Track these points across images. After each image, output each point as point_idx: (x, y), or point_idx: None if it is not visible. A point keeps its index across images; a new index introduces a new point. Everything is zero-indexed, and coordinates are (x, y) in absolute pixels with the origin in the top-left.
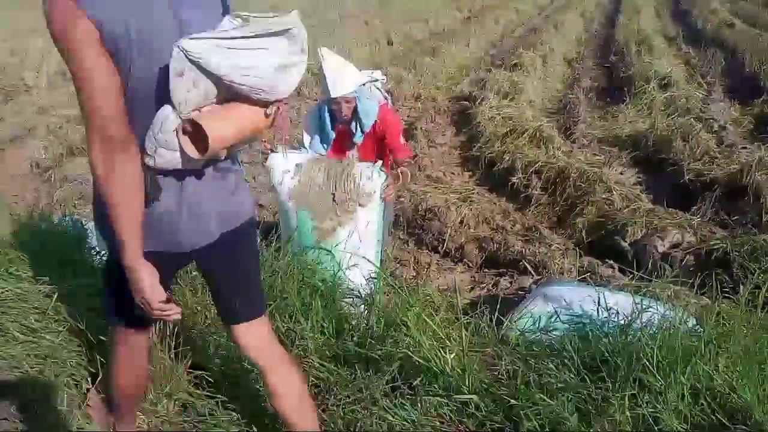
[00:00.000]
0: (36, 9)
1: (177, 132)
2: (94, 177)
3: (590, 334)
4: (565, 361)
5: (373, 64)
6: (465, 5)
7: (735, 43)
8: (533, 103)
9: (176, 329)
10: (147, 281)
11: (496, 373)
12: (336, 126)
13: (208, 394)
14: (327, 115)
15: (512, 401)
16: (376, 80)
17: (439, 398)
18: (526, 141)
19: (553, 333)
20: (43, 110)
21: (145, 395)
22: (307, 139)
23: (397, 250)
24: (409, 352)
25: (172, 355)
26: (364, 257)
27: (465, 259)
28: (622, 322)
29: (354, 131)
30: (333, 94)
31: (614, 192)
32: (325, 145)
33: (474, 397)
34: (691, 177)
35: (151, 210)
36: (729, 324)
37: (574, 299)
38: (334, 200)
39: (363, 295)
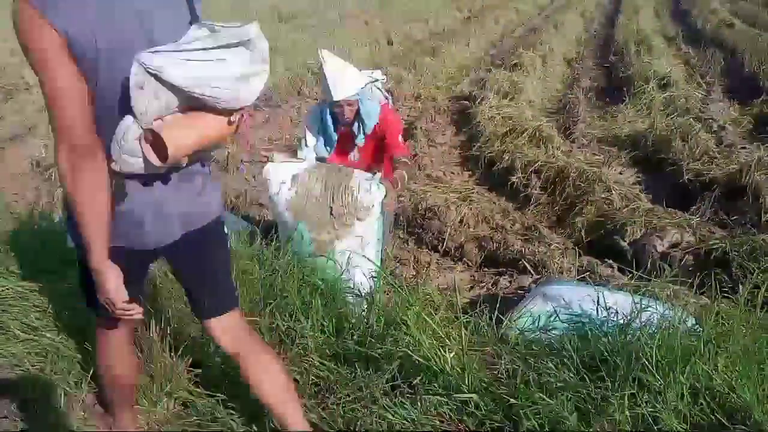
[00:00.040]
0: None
1: (139, 141)
2: (61, 183)
3: (589, 333)
4: (565, 360)
5: (373, 64)
6: (465, 5)
7: (734, 43)
8: (533, 102)
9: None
10: (112, 283)
11: (495, 372)
12: (338, 128)
13: (208, 392)
14: (329, 117)
15: (512, 400)
16: (377, 80)
17: (438, 397)
18: (526, 141)
19: (553, 332)
20: (44, 109)
21: (138, 388)
22: (309, 139)
23: (396, 249)
24: (409, 351)
25: (173, 354)
26: (364, 256)
27: (465, 258)
28: (622, 321)
29: (356, 133)
30: (335, 98)
31: (613, 192)
32: (328, 148)
33: (474, 396)
34: (691, 177)
35: (119, 209)
36: (728, 324)
37: (574, 298)
38: (331, 213)
39: (363, 294)
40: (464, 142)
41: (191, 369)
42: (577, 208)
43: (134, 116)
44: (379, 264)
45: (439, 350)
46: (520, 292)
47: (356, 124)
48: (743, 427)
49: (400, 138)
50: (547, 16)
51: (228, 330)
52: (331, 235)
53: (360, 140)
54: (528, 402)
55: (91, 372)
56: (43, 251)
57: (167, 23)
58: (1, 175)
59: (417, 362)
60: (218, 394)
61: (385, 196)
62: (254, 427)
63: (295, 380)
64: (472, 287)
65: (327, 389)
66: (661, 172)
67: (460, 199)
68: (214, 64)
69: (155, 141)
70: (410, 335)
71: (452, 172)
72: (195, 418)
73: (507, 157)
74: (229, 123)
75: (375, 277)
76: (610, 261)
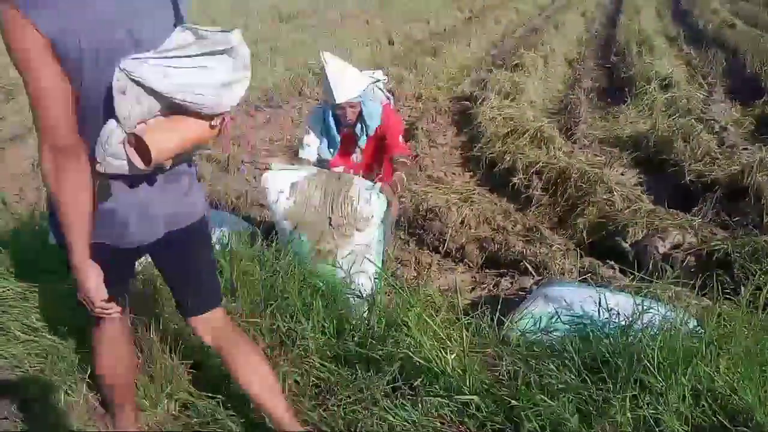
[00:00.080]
0: None
1: (123, 144)
2: (45, 183)
3: (591, 334)
4: (566, 361)
5: (374, 65)
6: (466, 5)
7: (736, 44)
8: (534, 103)
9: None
10: (92, 281)
11: (496, 373)
12: (341, 130)
13: (208, 394)
14: (332, 119)
15: (513, 402)
16: (378, 80)
17: (439, 399)
18: (527, 141)
19: (554, 334)
20: None
21: (137, 389)
22: (311, 139)
23: (398, 250)
24: (410, 353)
25: (173, 355)
26: (366, 257)
27: (466, 260)
28: (623, 323)
29: (359, 134)
30: (338, 101)
31: (615, 193)
32: (332, 150)
33: (475, 397)
34: (692, 178)
35: (102, 208)
36: (730, 325)
37: (575, 300)
38: (330, 224)
39: (364, 296)
40: (465, 143)
41: (191, 370)
42: (578, 209)
43: (118, 120)
44: (380, 265)
45: (440, 352)
46: (521, 293)
47: (359, 126)
48: (745, 429)
49: (400, 138)
50: (548, 16)
51: (211, 328)
52: (330, 245)
53: (363, 143)
54: (529, 403)
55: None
56: (44, 252)
57: (151, 24)
58: (2, 175)
59: (418, 364)
60: (218, 396)
61: (387, 206)
62: (254, 429)
63: (296, 381)
64: (473, 288)
65: (328, 390)
66: (662, 173)
67: (461, 200)
68: (198, 72)
69: (139, 145)
70: (411, 336)
71: (453, 173)
72: (195, 419)
73: (508, 158)
74: (211, 127)
75: (376, 279)
76: (612, 262)
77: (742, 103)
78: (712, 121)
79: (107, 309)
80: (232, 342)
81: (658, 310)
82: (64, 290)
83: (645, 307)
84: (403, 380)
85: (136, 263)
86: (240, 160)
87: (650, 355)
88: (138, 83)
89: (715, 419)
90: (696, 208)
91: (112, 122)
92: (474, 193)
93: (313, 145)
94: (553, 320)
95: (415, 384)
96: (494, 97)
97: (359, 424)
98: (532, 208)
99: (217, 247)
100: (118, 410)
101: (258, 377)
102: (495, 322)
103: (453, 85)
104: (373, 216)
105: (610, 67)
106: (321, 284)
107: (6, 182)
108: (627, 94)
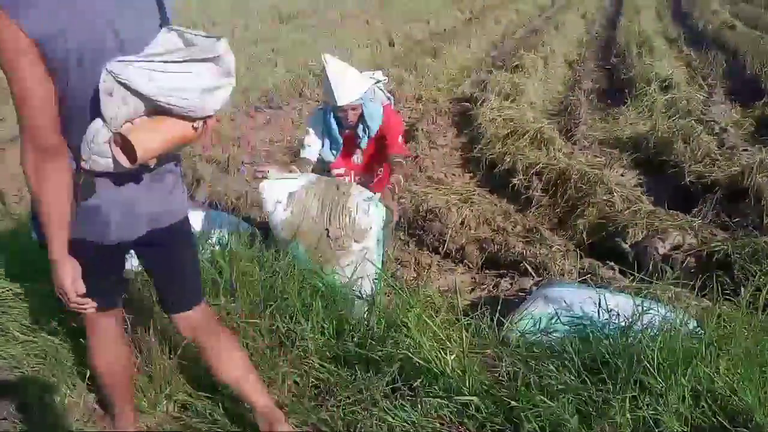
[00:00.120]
0: None
1: (109, 143)
2: (27, 182)
3: (591, 335)
4: (566, 362)
5: (374, 65)
6: (466, 6)
7: (736, 45)
8: (534, 104)
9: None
10: (69, 276)
11: (496, 374)
12: (342, 131)
13: (207, 394)
14: (333, 121)
15: (513, 403)
16: (379, 81)
17: (439, 399)
18: (527, 142)
19: (554, 334)
20: None
21: (136, 389)
22: (312, 140)
23: (397, 251)
24: (410, 353)
25: (172, 356)
26: (367, 259)
27: (466, 260)
28: (623, 323)
29: (360, 135)
30: (339, 103)
31: (615, 194)
32: (334, 152)
33: (474, 398)
34: (692, 179)
35: (85, 204)
36: (730, 326)
37: (575, 301)
38: (328, 236)
39: (364, 297)
40: (465, 144)
41: (191, 371)
42: (578, 210)
43: (104, 120)
44: (380, 266)
45: (440, 352)
46: (521, 294)
47: (360, 127)
48: (745, 429)
49: (400, 139)
50: (548, 17)
51: (191, 323)
52: (328, 256)
53: (364, 144)
54: (529, 404)
55: (88, 374)
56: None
57: (137, 24)
58: (2, 176)
59: (417, 364)
60: (217, 396)
61: (387, 210)
62: (253, 429)
63: (295, 382)
64: (473, 289)
65: (327, 391)
66: (662, 174)
67: (461, 201)
68: (183, 76)
69: (124, 144)
70: (411, 337)
71: (453, 174)
72: (194, 419)
73: (508, 159)
74: (194, 128)
75: (376, 280)
76: (612, 263)
77: (742, 104)
78: (712, 123)
79: (83, 304)
80: (213, 338)
81: (658, 311)
82: None
83: (645, 308)
84: (402, 381)
85: (126, 262)
86: (240, 161)
87: (650, 356)
88: (124, 85)
89: (714, 420)
90: (696, 209)
91: (98, 121)
92: (474, 194)
93: (314, 146)
94: (553, 321)
95: (415, 385)
96: (494, 99)
97: (359, 425)
98: (532, 209)
99: (217, 247)
100: (117, 411)
101: (240, 372)
102: (495, 322)
103: (453, 87)
104: (371, 227)
105: (610, 68)
106: (320, 285)
107: (6, 182)
108: (627, 96)
